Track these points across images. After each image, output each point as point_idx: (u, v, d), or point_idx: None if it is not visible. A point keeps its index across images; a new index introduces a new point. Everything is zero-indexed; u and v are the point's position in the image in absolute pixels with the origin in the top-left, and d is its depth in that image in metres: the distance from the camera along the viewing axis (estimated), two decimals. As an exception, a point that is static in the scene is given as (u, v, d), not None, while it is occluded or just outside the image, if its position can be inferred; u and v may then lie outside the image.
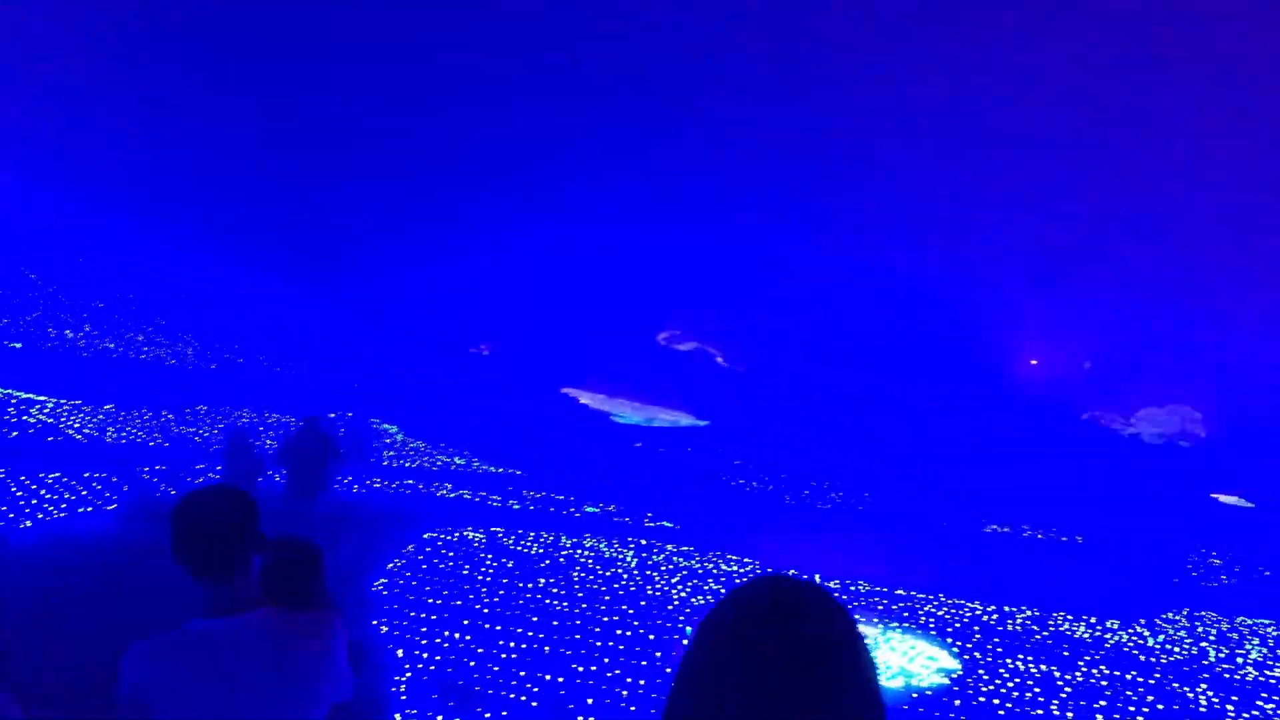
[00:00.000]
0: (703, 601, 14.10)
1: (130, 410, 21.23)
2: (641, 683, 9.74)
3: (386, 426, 27.81)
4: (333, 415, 16.98)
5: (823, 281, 44.56)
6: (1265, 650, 16.72)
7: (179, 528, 2.98)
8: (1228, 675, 13.86)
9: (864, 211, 41.74)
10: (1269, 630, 18.48)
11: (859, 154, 42.06)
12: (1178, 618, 19.26)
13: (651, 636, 11.66)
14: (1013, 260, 48.89)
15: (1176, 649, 15.57)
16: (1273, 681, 13.70)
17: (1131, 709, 11.26)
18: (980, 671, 11.83)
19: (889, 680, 10.64)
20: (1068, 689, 11.67)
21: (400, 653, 9.91)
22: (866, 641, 1.65)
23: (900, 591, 17.69)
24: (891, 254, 41.45)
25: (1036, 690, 11.33)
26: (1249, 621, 19.22)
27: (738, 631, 1.61)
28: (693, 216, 41.25)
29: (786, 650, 1.56)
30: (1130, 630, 17.01)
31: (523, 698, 9.09)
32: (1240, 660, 15.23)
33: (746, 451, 33.52)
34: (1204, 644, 16.62)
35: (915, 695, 10.18)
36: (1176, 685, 12.65)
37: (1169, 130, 44.33)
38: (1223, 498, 45.40)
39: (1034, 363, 70.99)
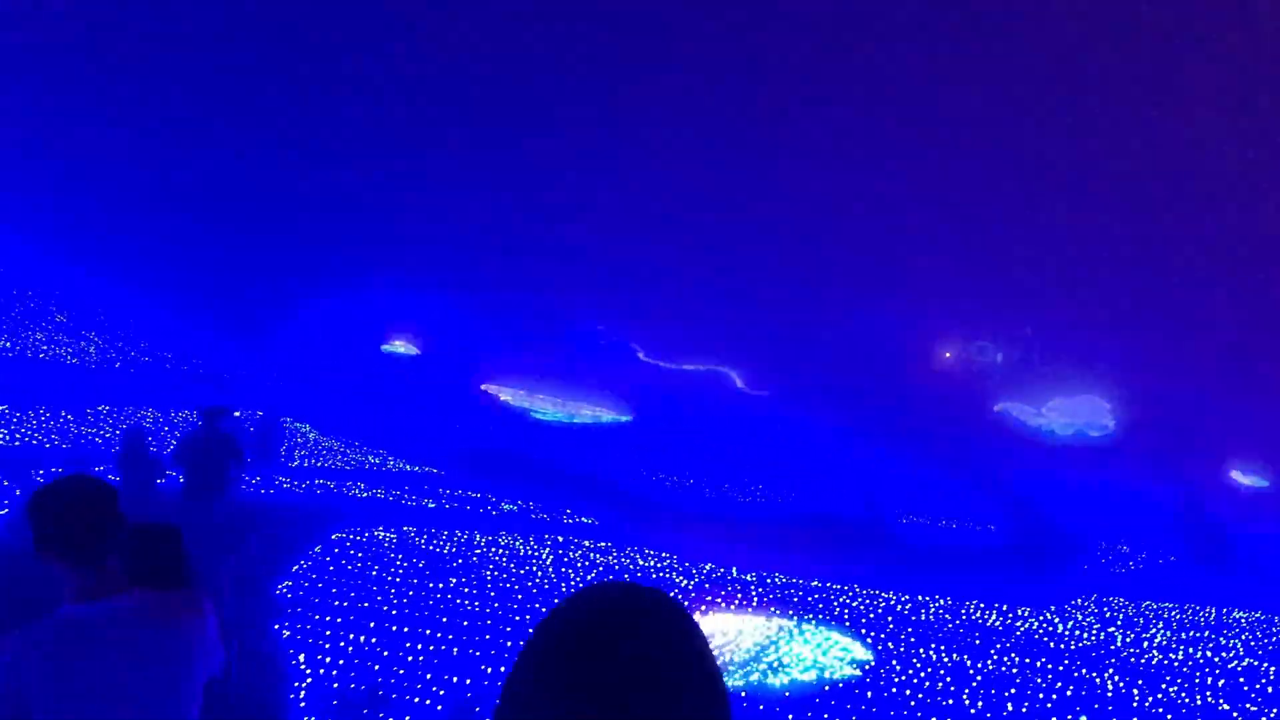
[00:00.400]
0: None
1: (26, 411, 20.43)
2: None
3: (298, 425, 27.21)
4: (237, 413, 16.39)
5: (740, 278, 44.70)
6: (1169, 634, 17.12)
7: (40, 519, 2.99)
8: (1134, 659, 14.11)
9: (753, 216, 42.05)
10: (1173, 614, 18.95)
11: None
12: (1087, 604, 19.67)
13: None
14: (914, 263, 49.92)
15: (1085, 635, 15.84)
16: (1175, 664, 13.98)
17: (1040, 695, 11.37)
18: (893, 662, 11.86)
19: (802, 673, 10.60)
20: (979, 677, 11.75)
21: (302, 658, 9.58)
22: (712, 653, 1.49)
23: (815, 583, 17.77)
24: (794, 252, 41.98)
25: (948, 679, 11.38)
26: (1154, 605, 19.72)
27: (565, 643, 1.44)
28: (605, 212, 41.12)
29: (618, 665, 1.40)
30: (1040, 617, 17.30)
31: (428, 701, 8.83)
32: (1145, 644, 15.55)
33: (667, 447, 33.57)
34: (1111, 629, 16.96)
35: (827, 688, 10.13)
36: (1085, 671, 12.83)
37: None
38: (1241, 478, 46.19)
39: (947, 355, 72.19)
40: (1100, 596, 20.42)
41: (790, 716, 9.05)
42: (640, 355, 48.17)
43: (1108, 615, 18.53)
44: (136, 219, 34.96)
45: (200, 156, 37.84)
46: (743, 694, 9.55)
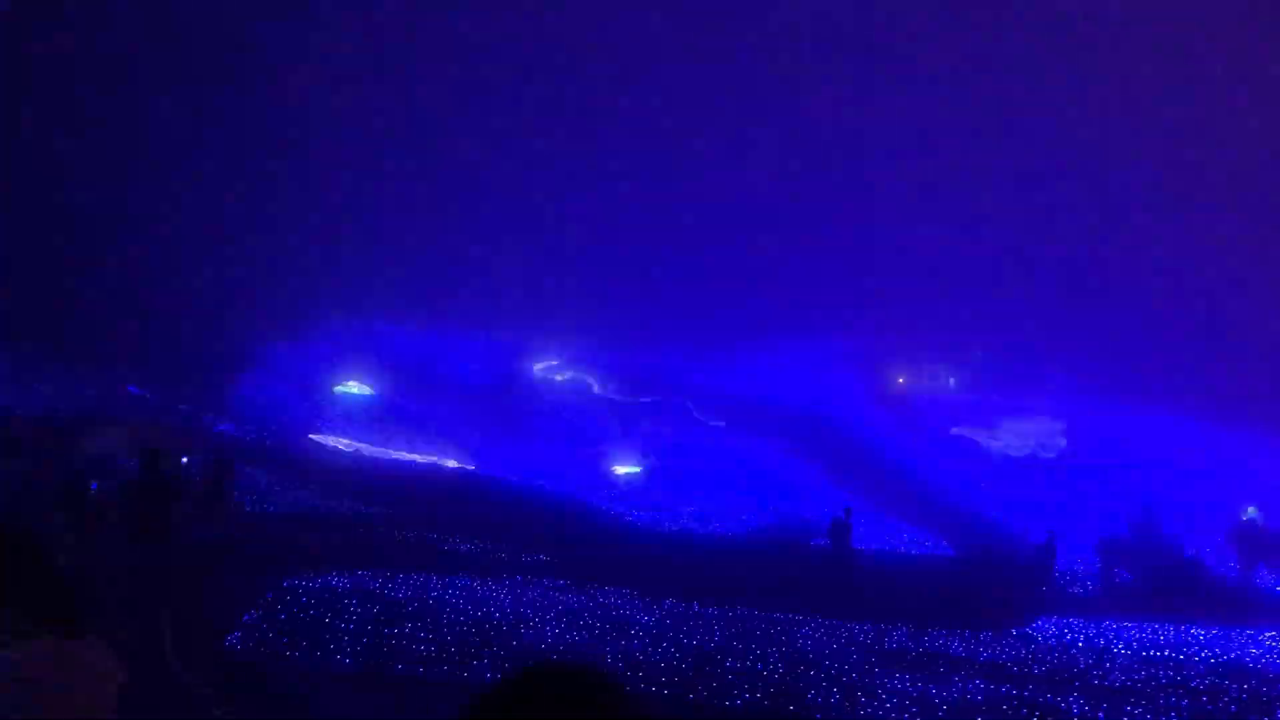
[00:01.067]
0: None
1: None
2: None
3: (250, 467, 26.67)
4: (185, 458, 16.00)
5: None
6: (1129, 653, 17.15)
7: None
8: (1096, 682, 14.08)
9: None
10: (1134, 634, 18.99)
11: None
12: (1047, 626, 19.67)
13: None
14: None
15: (1048, 658, 15.80)
16: (1139, 686, 13.95)
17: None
18: (859, 694, 11.71)
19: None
20: (944, 706, 11.63)
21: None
22: None
23: (777, 614, 17.62)
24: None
25: (914, 710, 11.25)
26: (1114, 626, 19.75)
27: None
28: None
29: None
30: (1003, 642, 17.25)
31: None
32: (1108, 665, 15.54)
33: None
34: (1073, 651, 16.95)
35: None
36: (1050, 696, 12.75)
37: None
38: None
39: (900, 381, 72.67)
40: (1060, 618, 20.46)
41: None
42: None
43: (1068, 637, 18.59)
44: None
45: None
46: None
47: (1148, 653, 17.22)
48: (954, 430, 65.99)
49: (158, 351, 37.71)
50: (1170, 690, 13.73)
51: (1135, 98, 53.92)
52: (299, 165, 46.14)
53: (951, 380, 72.04)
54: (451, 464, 36.88)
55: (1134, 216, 55.11)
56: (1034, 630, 19.27)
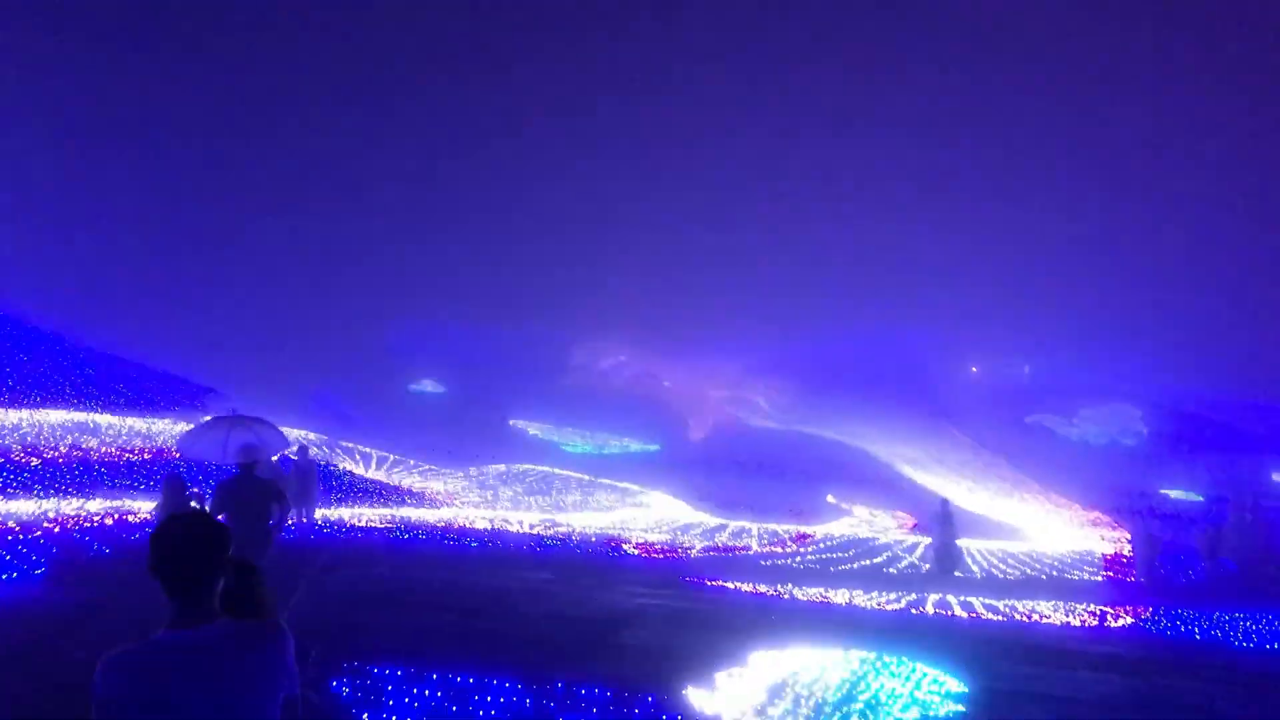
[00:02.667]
0: (682, 633, 13.23)
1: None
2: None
3: (336, 464, 26.61)
4: (275, 457, 15.80)
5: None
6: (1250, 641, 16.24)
7: (159, 548, 3.41)
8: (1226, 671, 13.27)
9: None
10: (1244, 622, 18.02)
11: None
12: (1159, 615, 18.80)
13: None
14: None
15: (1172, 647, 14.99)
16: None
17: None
18: (990, 691, 11.08)
19: (903, 713, 9.84)
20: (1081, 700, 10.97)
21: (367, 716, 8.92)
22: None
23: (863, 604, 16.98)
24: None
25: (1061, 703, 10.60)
26: (1225, 615, 18.79)
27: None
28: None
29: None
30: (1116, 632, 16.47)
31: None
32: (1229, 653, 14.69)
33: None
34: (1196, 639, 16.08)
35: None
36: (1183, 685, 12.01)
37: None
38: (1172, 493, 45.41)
39: (974, 370, 71.18)
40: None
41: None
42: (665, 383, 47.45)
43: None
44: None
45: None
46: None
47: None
48: (1029, 419, 64.79)
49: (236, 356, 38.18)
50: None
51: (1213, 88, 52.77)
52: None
53: (1026, 367, 70.72)
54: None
55: (1208, 203, 53.89)
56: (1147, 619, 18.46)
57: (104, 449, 23.92)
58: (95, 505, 18.47)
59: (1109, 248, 57.00)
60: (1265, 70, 50.04)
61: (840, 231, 56.12)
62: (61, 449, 22.79)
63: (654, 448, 51.19)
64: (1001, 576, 23.94)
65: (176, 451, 14.63)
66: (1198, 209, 53.74)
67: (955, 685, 11.07)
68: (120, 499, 19.40)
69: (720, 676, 10.83)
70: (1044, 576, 24.59)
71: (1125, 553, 29.36)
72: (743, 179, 56.11)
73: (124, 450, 24.24)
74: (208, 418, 18.75)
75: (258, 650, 3.44)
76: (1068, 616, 18.54)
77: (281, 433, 13.07)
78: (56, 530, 15.95)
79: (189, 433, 13.44)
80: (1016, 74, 54.20)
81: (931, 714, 9.91)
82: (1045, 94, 54.88)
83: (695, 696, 10.04)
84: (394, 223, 50.18)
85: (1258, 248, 51.82)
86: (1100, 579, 24.96)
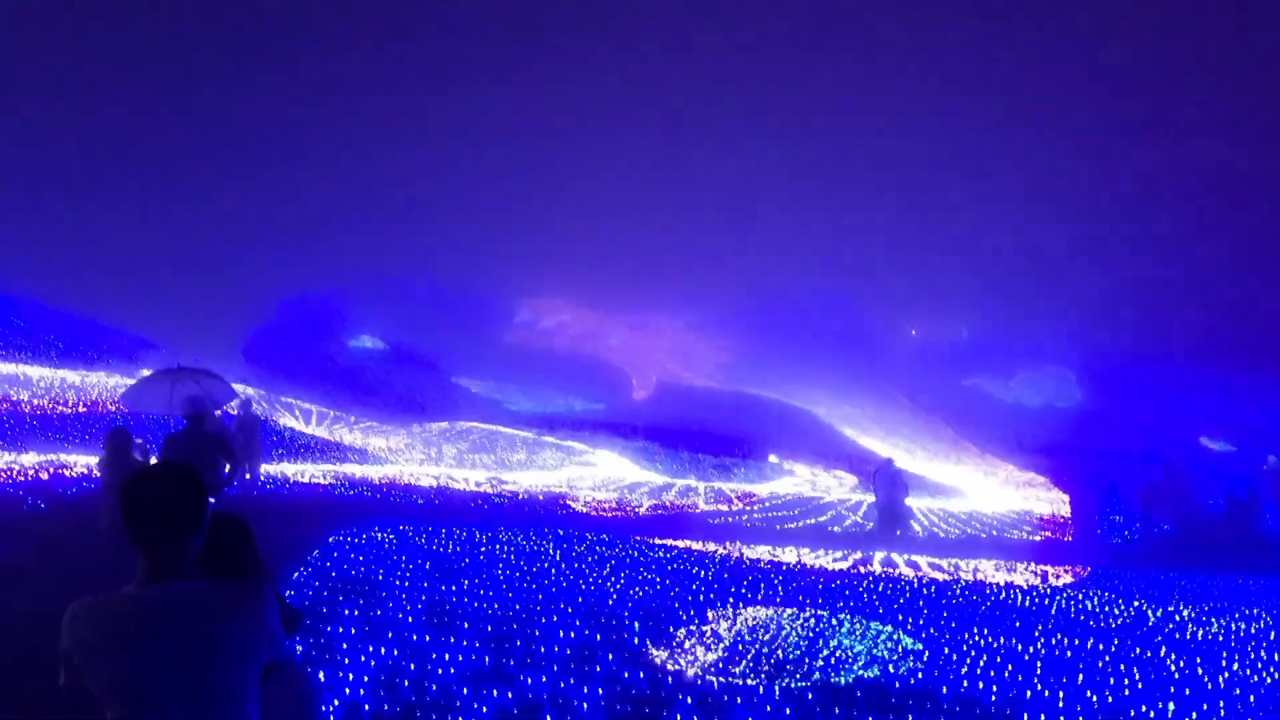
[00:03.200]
0: (639, 593, 13.21)
1: None
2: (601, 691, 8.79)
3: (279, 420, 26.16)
4: (218, 411, 15.40)
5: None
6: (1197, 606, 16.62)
7: (130, 500, 3.13)
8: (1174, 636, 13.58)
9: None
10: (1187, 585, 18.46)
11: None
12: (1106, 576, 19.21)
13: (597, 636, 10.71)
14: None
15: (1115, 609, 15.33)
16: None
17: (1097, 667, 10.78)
18: (945, 649, 11.20)
19: (865, 670, 9.90)
20: (1040, 661, 11.14)
21: (322, 675, 8.73)
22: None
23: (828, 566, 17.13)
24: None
25: (1008, 663, 10.74)
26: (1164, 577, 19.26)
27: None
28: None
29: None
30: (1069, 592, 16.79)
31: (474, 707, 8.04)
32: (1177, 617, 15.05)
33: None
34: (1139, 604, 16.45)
35: (898, 685, 9.41)
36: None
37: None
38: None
39: (913, 333, 72.04)
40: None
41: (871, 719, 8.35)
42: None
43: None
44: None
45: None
46: (810, 696, 8.82)
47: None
48: (966, 381, 65.80)
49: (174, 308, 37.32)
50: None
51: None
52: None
53: (964, 331, 71.70)
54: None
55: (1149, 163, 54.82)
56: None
57: (36, 402, 23.21)
58: (29, 459, 17.94)
59: (1048, 212, 57.75)
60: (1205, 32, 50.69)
61: (783, 194, 56.17)
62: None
63: (598, 406, 51.15)
64: (943, 536, 24.30)
65: (119, 404, 14.21)
66: (1136, 169, 54.56)
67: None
68: (54, 453, 18.84)
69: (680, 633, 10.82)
70: (983, 536, 25.00)
71: (1062, 514, 30.00)
72: (686, 141, 55.84)
73: (57, 403, 23.55)
74: (147, 372, 18.26)
75: (236, 611, 3.15)
76: (1010, 575, 18.87)
77: (229, 385, 12.74)
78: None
79: (133, 385, 13.05)
80: (957, 36, 54.43)
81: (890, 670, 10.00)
82: (989, 55, 55.20)
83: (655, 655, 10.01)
84: (335, 176, 49.14)
85: (1203, 212, 52.82)
86: (1039, 539, 25.46)
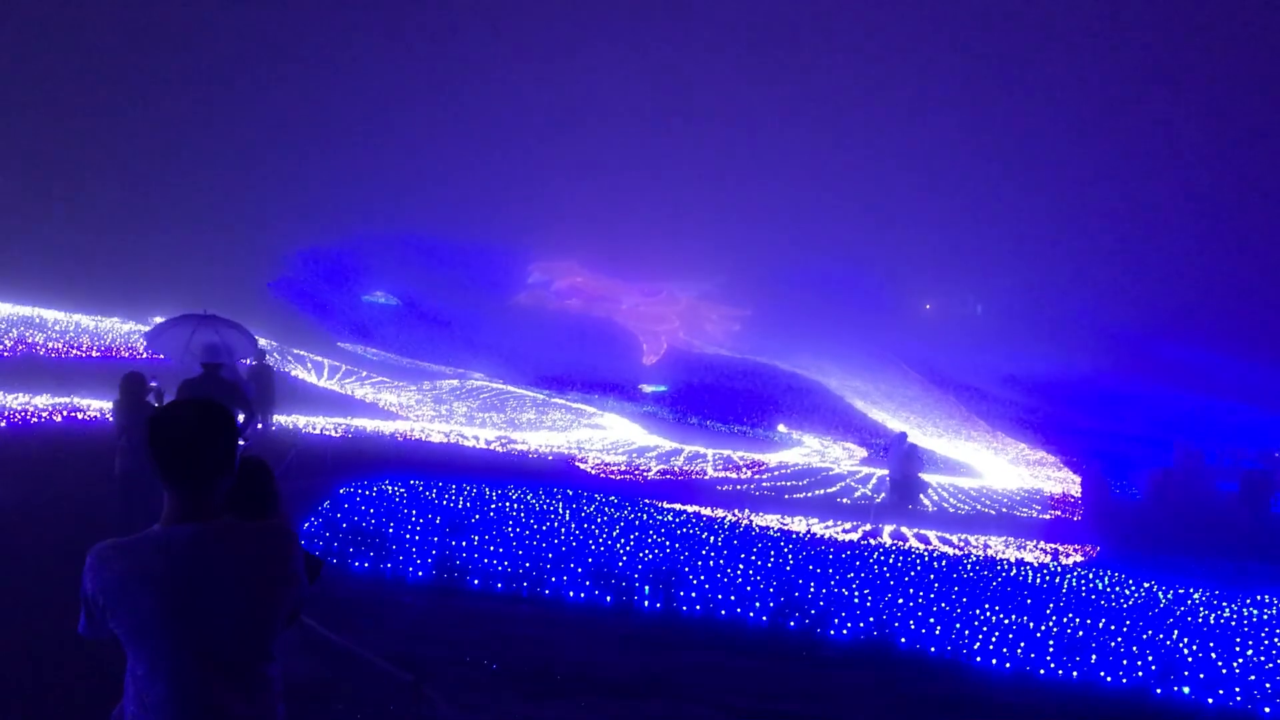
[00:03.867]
0: (649, 555, 13.17)
1: None
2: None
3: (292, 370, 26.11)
4: (246, 361, 15.36)
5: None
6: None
7: (159, 437, 3.03)
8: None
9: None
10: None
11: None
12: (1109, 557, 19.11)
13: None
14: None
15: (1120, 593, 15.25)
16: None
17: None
18: (955, 624, 11.13)
19: (871, 634, 9.80)
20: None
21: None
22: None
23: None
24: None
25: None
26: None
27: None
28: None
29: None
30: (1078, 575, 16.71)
31: (484, 662, 8.01)
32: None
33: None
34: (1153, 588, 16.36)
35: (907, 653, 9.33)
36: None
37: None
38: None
39: (927, 307, 71.56)
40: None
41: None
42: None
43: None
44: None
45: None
46: (815, 658, 8.76)
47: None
48: (978, 357, 65.57)
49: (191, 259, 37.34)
50: None
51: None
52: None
53: (978, 306, 71.39)
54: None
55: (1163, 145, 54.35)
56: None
57: (50, 344, 23.19)
58: (42, 401, 17.92)
59: (1066, 190, 57.25)
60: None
61: (799, 165, 55.75)
62: (6, 343, 22.07)
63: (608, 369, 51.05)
64: (952, 511, 24.23)
65: (143, 342, 14.16)
66: (1156, 149, 54.01)
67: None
68: (68, 395, 18.84)
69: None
70: (993, 512, 24.93)
71: (1073, 493, 29.90)
72: (702, 108, 55.37)
73: (71, 347, 23.53)
74: (159, 318, 18.18)
75: (267, 550, 3.09)
76: (1020, 552, 18.82)
77: (252, 337, 12.66)
78: (2, 425, 15.44)
79: (157, 325, 12.99)
80: (975, 20, 53.84)
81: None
82: (1008, 35, 54.59)
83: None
84: (352, 131, 48.91)
85: (1231, 190, 52.30)
86: (1048, 517, 25.37)
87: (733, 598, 10.93)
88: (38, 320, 25.67)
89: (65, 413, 17.18)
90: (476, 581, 10.67)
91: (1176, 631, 12.23)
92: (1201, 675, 10.06)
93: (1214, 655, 11.02)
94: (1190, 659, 10.75)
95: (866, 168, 57.39)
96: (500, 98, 52.83)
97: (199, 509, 3.05)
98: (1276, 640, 12.37)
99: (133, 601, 2.91)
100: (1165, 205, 55.10)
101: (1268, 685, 9.93)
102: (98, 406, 17.86)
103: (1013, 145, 56.86)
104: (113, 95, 40.86)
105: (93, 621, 3.00)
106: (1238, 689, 9.65)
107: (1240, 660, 10.92)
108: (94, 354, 23.50)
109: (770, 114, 56.04)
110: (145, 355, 23.57)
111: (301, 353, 35.27)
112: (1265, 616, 14.18)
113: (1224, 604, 14.87)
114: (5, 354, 21.29)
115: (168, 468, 3.04)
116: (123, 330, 27.63)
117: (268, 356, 21.00)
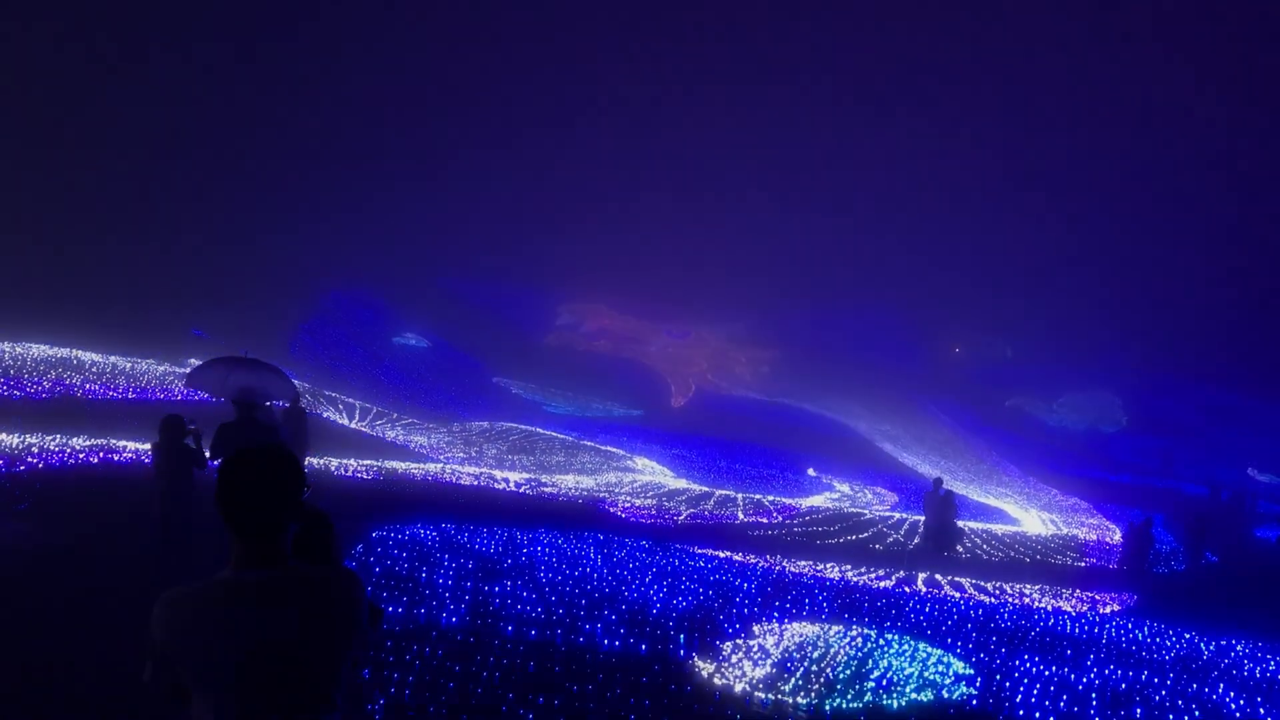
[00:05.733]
0: (682, 603, 13.04)
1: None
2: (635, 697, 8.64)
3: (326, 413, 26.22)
4: (268, 404, 15.44)
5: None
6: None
7: (230, 482, 3.03)
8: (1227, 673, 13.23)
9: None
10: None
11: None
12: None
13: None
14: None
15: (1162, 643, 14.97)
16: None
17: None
18: (996, 675, 10.95)
19: (918, 694, 9.67)
20: (1094, 690, 10.86)
21: (367, 673, 8.65)
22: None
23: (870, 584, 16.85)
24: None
25: (1060, 691, 10.48)
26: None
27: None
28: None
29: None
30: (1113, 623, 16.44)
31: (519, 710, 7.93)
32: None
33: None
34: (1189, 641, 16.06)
35: (952, 711, 9.19)
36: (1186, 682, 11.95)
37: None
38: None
39: (956, 350, 71.26)
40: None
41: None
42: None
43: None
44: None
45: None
46: (862, 718, 8.63)
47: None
48: (1009, 402, 65.02)
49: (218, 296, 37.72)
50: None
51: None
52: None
53: (1009, 350, 70.87)
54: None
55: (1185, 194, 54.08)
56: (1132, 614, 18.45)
57: (88, 386, 23.43)
58: (79, 442, 18.06)
59: (1096, 234, 57.01)
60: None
61: (828, 209, 55.90)
62: (45, 384, 22.31)
63: (636, 413, 50.98)
64: (985, 558, 23.91)
65: (186, 382, 14.33)
66: (1187, 197, 53.78)
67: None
68: (105, 437, 18.98)
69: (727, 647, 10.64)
70: (1027, 560, 24.58)
71: (1111, 540, 29.45)
72: (731, 151, 55.68)
73: (108, 389, 23.76)
74: (195, 360, 18.32)
75: (336, 598, 3.10)
76: (1056, 601, 18.53)
77: (289, 381, 12.73)
78: (40, 466, 15.56)
79: (196, 366, 13.14)
80: (1004, 61, 53.98)
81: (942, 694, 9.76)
82: (1030, 77, 54.68)
83: (700, 665, 9.86)
84: (383, 175, 49.49)
85: (1251, 239, 51.96)
86: (1083, 565, 24.99)
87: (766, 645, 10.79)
88: (75, 361, 25.97)
89: (101, 454, 17.30)
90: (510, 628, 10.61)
91: (1223, 685, 11.98)
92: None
93: (1257, 708, 10.78)
94: (1236, 713, 10.52)
95: (894, 210, 57.44)
96: (530, 140, 53.36)
97: (268, 555, 3.05)
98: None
99: (204, 648, 2.90)
100: (1200, 248, 54.74)
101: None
102: (134, 447, 18.00)
103: (1043, 187, 56.78)
104: (147, 135, 41.56)
105: (160, 670, 2.96)
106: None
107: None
108: (130, 395, 23.71)
109: (799, 157, 56.21)
110: (180, 396, 23.79)
111: (332, 394, 35.45)
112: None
113: (1267, 657, 14.56)
114: (44, 394, 21.52)
115: (240, 513, 3.03)
116: (158, 372, 27.89)
117: (301, 399, 21.11)
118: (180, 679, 2.95)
